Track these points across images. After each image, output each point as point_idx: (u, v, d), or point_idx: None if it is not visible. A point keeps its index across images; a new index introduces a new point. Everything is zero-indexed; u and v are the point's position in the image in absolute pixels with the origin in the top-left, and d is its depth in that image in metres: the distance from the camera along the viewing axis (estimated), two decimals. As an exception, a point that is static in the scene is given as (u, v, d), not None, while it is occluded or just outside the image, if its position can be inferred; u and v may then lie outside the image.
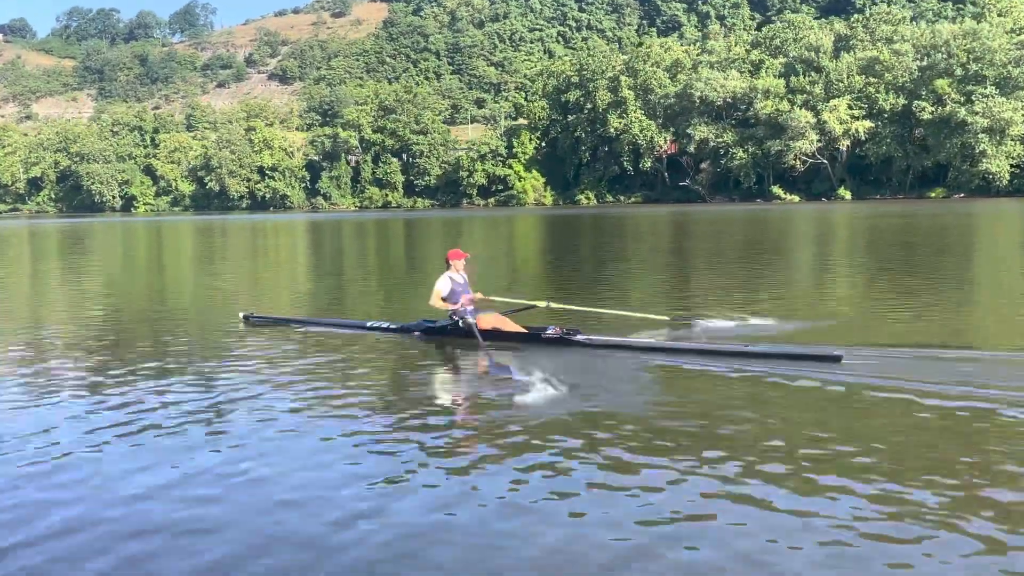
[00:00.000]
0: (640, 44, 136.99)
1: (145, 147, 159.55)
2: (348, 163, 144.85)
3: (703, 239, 36.95)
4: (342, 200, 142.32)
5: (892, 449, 6.33)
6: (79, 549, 4.88)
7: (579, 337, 10.52)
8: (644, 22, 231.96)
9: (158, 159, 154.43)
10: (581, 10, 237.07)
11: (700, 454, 6.26)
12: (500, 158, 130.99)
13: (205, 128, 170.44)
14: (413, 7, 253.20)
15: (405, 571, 4.55)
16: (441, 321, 11.54)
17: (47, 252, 39.72)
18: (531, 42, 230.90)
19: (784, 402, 7.85)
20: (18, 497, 5.71)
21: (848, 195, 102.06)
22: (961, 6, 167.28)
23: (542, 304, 11.98)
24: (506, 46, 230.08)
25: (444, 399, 8.63)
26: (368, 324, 12.27)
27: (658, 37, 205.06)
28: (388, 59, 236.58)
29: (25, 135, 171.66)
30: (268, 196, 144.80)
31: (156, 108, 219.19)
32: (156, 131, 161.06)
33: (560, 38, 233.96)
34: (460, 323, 11.09)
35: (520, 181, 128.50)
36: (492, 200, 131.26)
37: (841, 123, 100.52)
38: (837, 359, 8.99)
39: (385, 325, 12.03)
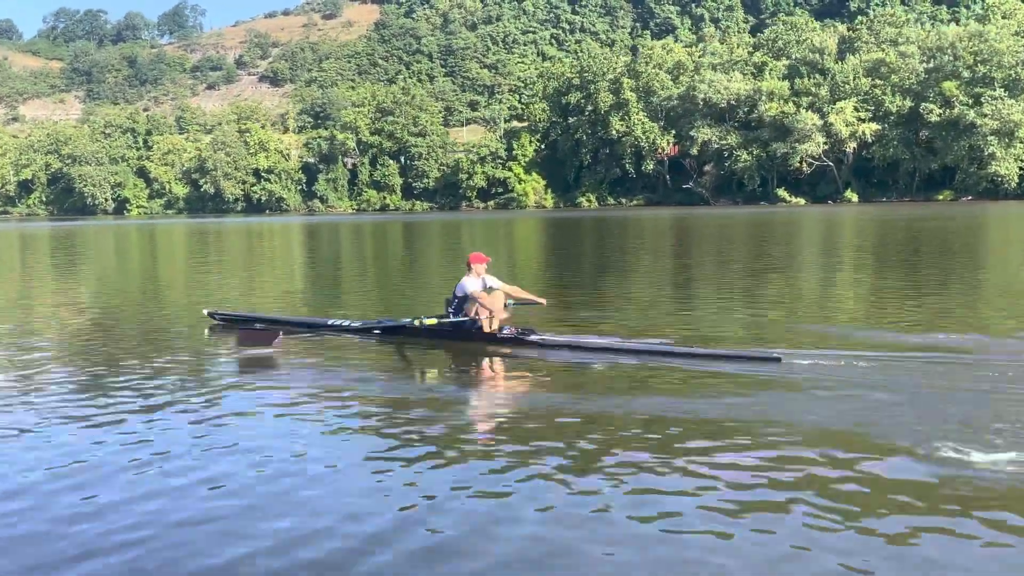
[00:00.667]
0: (641, 46, 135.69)
1: (138, 149, 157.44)
2: (345, 165, 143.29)
3: (710, 242, 36.17)
4: (339, 203, 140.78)
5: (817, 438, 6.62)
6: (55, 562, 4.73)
7: (533, 337, 10.80)
8: (637, 25, 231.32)
9: (151, 161, 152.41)
10: (574, 12, 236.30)
11: (644, 453, 6.32)
12: (500, 160, 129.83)
13: (196, 130, 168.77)
14: (405, 9, 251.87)
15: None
16: (401, 320, 11.62)
17: (38, 256, 38.32)
18: (524, 44, 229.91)
19: (725, 399, 7.96)
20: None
21: (855, 197, 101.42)
22: (956, 9, 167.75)
23: (541, 301, 11.99)
24: (499, 48, 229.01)
25: (391, 398, 8.48)
26: (328, 323, 12.38)
27: (652, 40, 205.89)
28: (380, 61, 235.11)
29: (15, 137, 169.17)
30: (264, 199, 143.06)
31: (146, 110, 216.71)
32: (149, 133, 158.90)
33: (553, 40, 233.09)
34: (413, 323, 11.23)
35: (520, 184, 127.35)
36: (491, 203, 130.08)
37: (847, 125, 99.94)
38: (776, 360, 9.32)
39: (347, 324, 12.11)
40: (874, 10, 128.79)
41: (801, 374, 8.83)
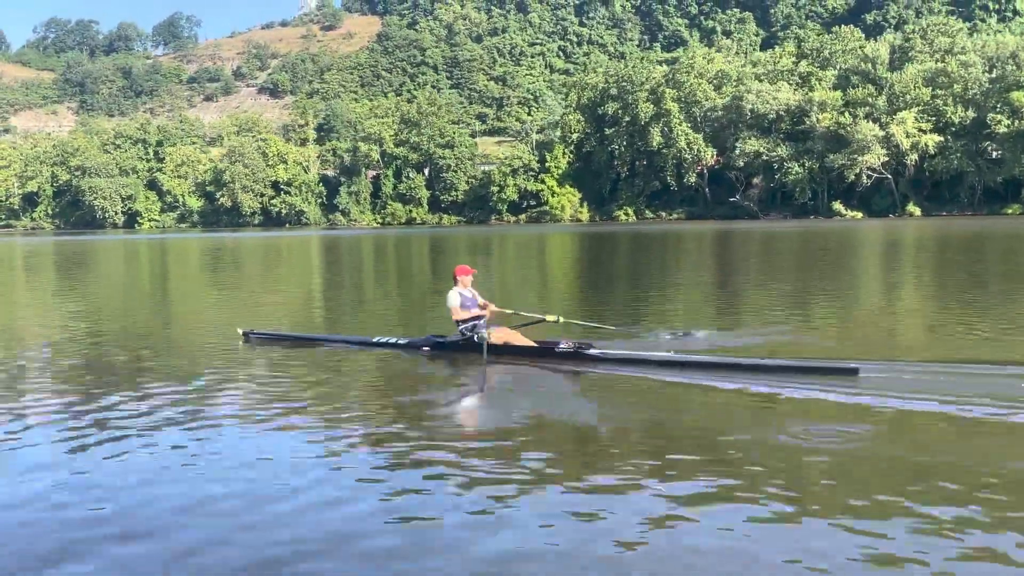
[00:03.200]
0: (682, 55, 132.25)
1: (148, 160, 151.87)
2: (367, 178, 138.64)
3: (799, 257, 33.84)
4: (361, 216, 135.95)
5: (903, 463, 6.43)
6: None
7: (592, 351, 10.49)
8: (645, 37, 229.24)
9: (164, 173, 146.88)
10: (582, 24, 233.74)
11: (704, 473, 6.22)
12: (532, 173, 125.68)
13: (195, 141, 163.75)
14: (408, 21, 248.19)
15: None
16: (451, 336, 11.50)
17: (53, 273, 35.18)
18: (532, 56, 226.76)
19: (797, 417, 7.75)
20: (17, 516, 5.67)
21: (917, 211, 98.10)
22: (982, 20, 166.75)
23: (552, 319, 11.64)
24: (506, 60, 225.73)
25: (449, 417, 8.44)
26: (375, 340, 12.13)
27: (661, 52, 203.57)
28: (384, 73, 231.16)
29: (14, 148, 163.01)
30: (284, 212, 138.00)
31: (132, 123, 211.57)
32: (160, 144, 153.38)
33: (561, 53, 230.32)
34: (475, 338, 11.09)
35: (554, 197, 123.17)
36: (523, 216, 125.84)
37: (908, 136, 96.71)
38: (853, 372, 8.98)
39: (393, 341, 11.89)
40: (926, 19, 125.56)
41: (879, 387, 8.56)
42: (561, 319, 11.71)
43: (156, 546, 5.08)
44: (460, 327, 11.34)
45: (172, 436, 7.59)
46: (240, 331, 13.30)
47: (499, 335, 11.15)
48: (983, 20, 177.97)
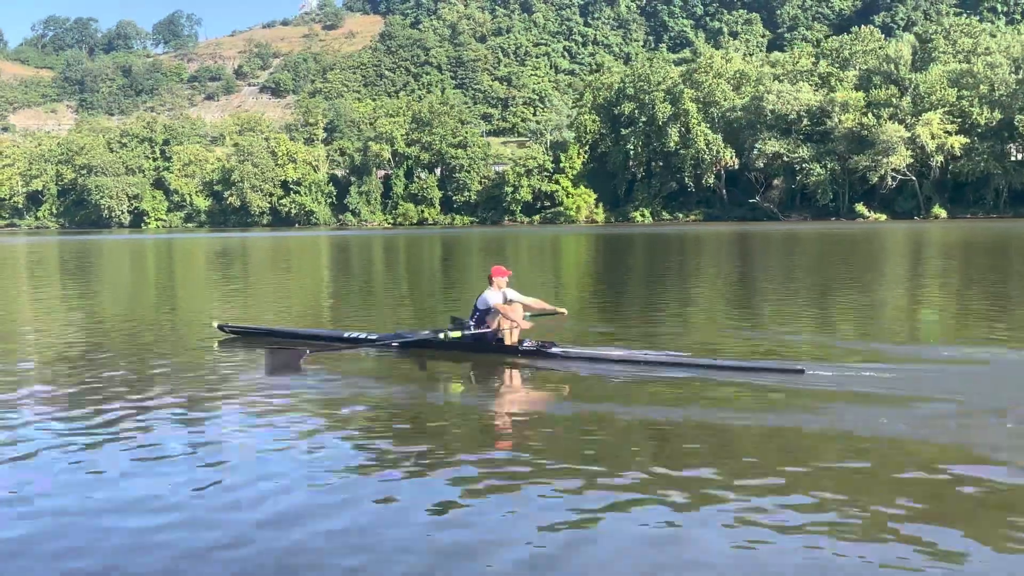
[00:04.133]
0: (699, 54, 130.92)
1: (155, 159, 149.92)
2: (377, 177, 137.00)
3: (855, 259, 31.87)
4: (372, 217, 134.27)
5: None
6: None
7: (554, 350, 10.72)
8: (651, 38, 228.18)
9: (171, 172, 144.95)
10: (587, 25, 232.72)
11: (662, 467, 6.29)
12: (546, 173, 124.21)
13: (198, 140, 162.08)
14: (411, 20, 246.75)
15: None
16: (420, 333, 11.55)
17: (49, 277, 32.81)
18: (537, 57, 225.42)
19: (748, 410, 8.04)
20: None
21: (943, 213, 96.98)
22: (991, 22, 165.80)
23: (563, 311, 11.79)
24: (511, 60, 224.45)
25: (409, 414, 8.36)
26: (345, 335, 12.13)
27: (667, 53, 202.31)
28: (387, 72, 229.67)
29: (16, 145, 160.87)
30: (293, 212, 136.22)
31: (124, 123, 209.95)
32: (167, 143, 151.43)
33: (566, 53, 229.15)
34: (441, 335, 11.13)
35: (569, 198, 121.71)
36: (537, 217, 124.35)
37: (933, 138, 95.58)
38: (799, 372, 9.32)
39: (363, 336, 11.91)
40: (950, 19, 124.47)
41: (823, 385, 8.82)
42: (566, 312, 11.99)
43: (149, 550, 5.02)
44: (476, 326, 11.14)
45: (147, 437, 7.48)
46: (215, 324, 13.17)
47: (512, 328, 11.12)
48: (992, 22, 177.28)
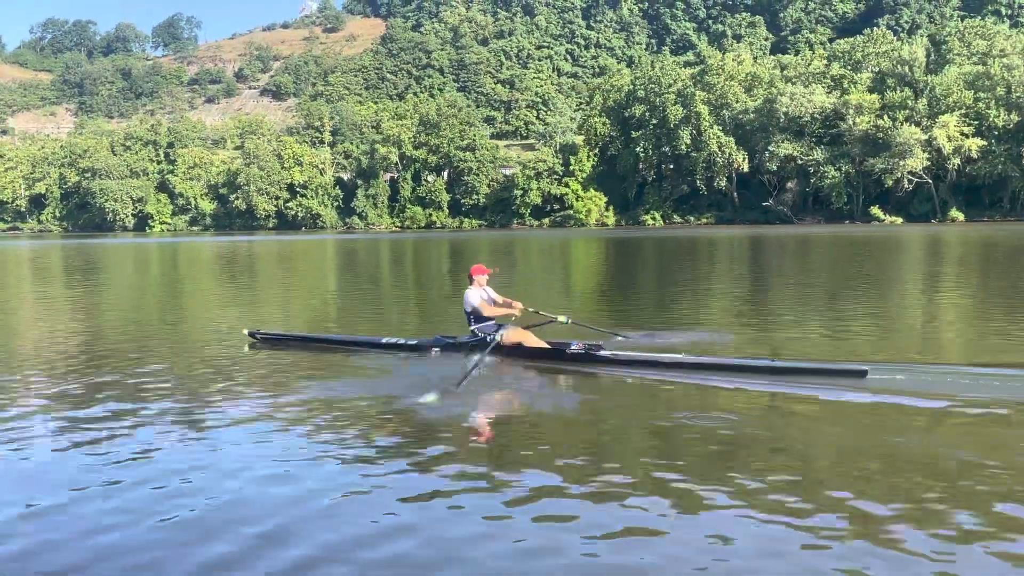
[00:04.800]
0: (710, 56, 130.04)
1: (159, 162, 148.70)
2: (384, 180, 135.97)
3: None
4: (379, 220, 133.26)
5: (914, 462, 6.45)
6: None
7: (603, 353, 10.42)
8: (653, 41, 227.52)
9: (175, 175, 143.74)
10: (589, 27, 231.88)
11: (719, 475, 6.23)
12: (556, 176, 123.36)
13: (200, 142, 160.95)
14: (412, 23, 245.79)
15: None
16: (461, 337, 11.43)
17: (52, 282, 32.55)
18: (539, 60, 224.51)
19: (810, 418, 7.92)
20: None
21: (960, 216, 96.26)
22: (993, 24, 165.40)
23: (562, 319, 11.69)
24: (513, 63, 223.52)
25: (459, 419, 8.16)
26: (383, 341, 11.97)
27: (670, 56, 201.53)
28: (389, 75, 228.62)
29: (16, 149, 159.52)
30: (300, 215, 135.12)
31: (129, 126, 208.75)
32: (171, 145, 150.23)
33: (568, 56, 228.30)
34: (487, 339, 10.86)
35: (579, 201, 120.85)
36: (547, 220, 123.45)
37: (950, 140, 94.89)
38: (862, 374, 9.05)
39: (402, 342, 11.71)
40: (963, 21, 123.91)
41: (888, 388, 8.62)
42: (569, 320, 11.80)
43: (162, 551, 5.02)
44: (473, 327, 11.22)
45: (174, 439, 7.52)
46: (246, 331, 13.15)
47: (512, 336, 10.95)
48: (995, 24, 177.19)
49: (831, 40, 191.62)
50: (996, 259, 34.02)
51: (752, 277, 26.40)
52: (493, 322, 11.19)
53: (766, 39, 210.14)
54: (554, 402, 9.04)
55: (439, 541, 5.11)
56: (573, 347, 10.64)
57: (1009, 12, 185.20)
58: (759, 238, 59.64)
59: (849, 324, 14.44)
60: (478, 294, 11.22)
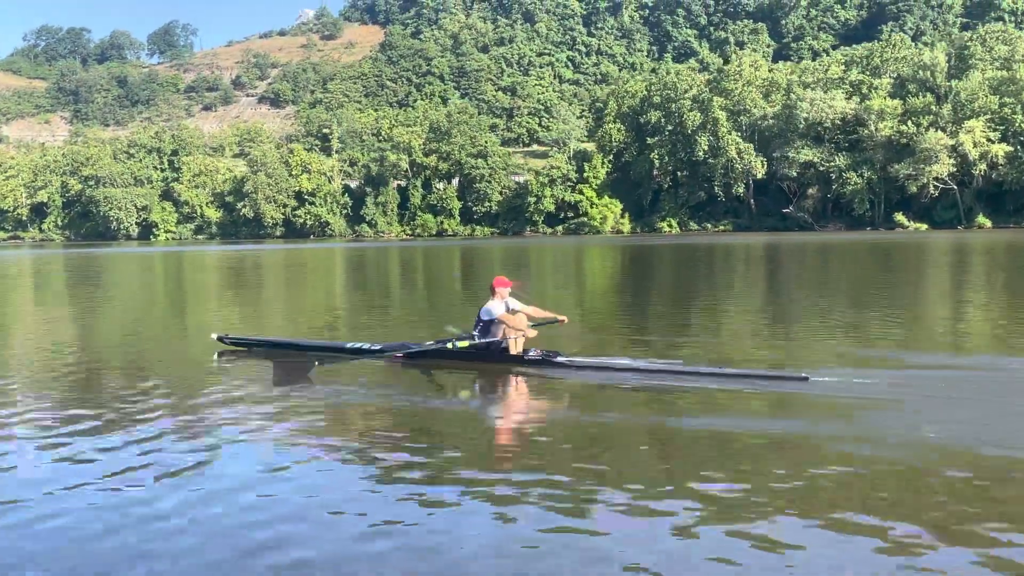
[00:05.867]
0: (724, 62, 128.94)
1: (163, 170, 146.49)
2: (393, 188, 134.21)
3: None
4: (389, 228, 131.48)
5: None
6: None
7: (559, 359, 10.78)
8: (654, 48, 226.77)
9: (181, 183, 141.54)
10: (590, 35, 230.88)
11: (665, 474, 6.41)
12: (570, 183, 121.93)
13: (194, 151, 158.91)
14: (411, 30, 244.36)
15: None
16: (426, 343, 11.57)
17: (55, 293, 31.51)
18: (540, 67, 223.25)
19: (752, 414, 8.36)
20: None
21: (988, 223, 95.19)
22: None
23: (563, 319, 11.93)
24: (514, 71, 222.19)
25: (416, 425, 8.24)
26: (347, 346, 12.07)
27: (673, 63, 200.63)
28: (389, 83, 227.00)
29: (13, 157, 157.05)
30: (309, 223, 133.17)
31: (133, 133, 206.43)
32: (175, 153, 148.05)
33: (570, 63, 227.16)
34: (448, 345, 11.09)
35: (593, 208, 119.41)
36: (560, 228, 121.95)
37: (976, 146, 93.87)
38: (804, 379, 9.42)
39: (367, 347, 11.81)
40: (984, 26, 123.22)
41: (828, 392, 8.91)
42: (566, 319, 12.12)
43: (146, 561, 4.99)
44: (476, 333, 11.27)
45: (157, 448, 7.42)
46: (214, 336, 13.11)
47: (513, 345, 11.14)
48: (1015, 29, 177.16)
49: (834, 47, 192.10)
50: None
51: (818, 293, 23.61)
52: (499, 339, 11.16)
53: (768, 46, 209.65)
54: (511, 406, 9.39)
55: (411, 545, 5.10)
56: (531, 353, 10.95)
57: (1013, 19, 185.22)
58: (782, 246, 58.08)
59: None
60: (503, 306, 11.30)
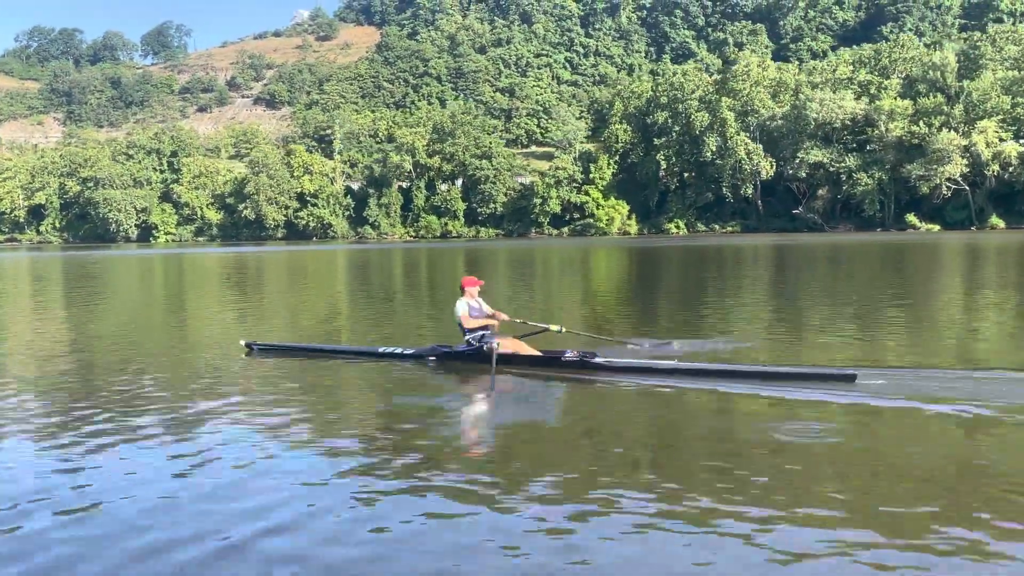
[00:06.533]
0: (734, 62, 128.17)
1: (162, 171, 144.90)
2: (396, 189, 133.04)
3: None
4: (392, 230, 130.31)
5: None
6: None
7: (597, 360, 10.49)
8: (652, 49, 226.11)
9: (180, 184, 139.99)
10: (588, 36, 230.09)
11: (708, 477, 6.29)
12: (575, 184, 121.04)
13: (194, 152, 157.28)
14: (408, 31, 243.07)
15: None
16: (457, 346, 11.53)
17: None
18: (538, 68, 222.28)
19: (799, 420, 7.96)
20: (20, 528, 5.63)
21: (1001, 224, 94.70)
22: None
23: (555, 328, 11.65)
24: (512, 72, 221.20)
25: (456, 428, 8.27)
26: (380, 350, 11.97)
27: (672, 64, 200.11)
28: (386, 84, 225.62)
29: (9, 159, 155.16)
30: (311, 225, 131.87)
31: (131, 133, 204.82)
32: (175, 154, 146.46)
33: (567, 64, 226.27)
34: (483, 347, 10.98)
35: (600, 209, 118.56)
36: (566, 229, 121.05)
37: (988, 146, 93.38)
38: (851, 378, 9.09)
39: (399, 351, 11.75)
40: (994, 26, 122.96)
41: (878, 392, 8.71)
42: (563, 329, 11.78)
43: (157, 563, 4.99)
44: (467, 336, 11.36)
45: (175, 451, 7.38)
46: (243, 343, 13.08)
47: (506, 345, 11.03)
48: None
49: (833, 48, 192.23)
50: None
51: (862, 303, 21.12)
52: (484, 332, 11.25)
53: (767, 47, 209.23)
54: (550, 409, 9.06)
55: (434, 550, 5.07)
56: (568, 355, 10.73)
57: (1012, 19, 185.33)
58: (797, 248, 56.85)
59: None
60: (466, 304, 11.45)
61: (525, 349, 11.19)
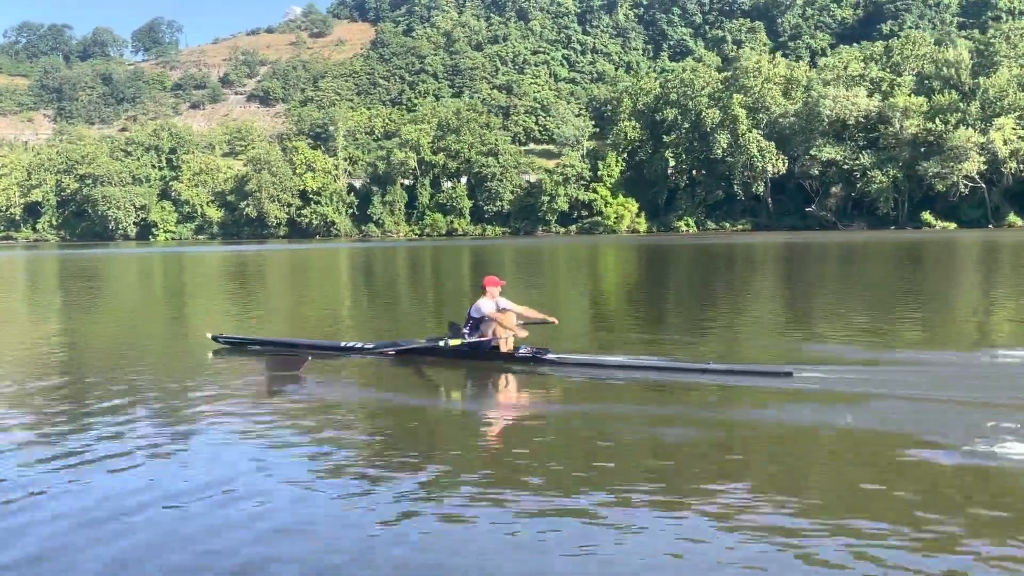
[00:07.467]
0: (743, 59, 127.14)
1: (161, 168, 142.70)
2: (401, 187, 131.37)
3: None
4: (396, 228, 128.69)
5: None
6: None
7: (549, 356, 10.93)
8: (650, 46, 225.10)
9: (180, 182, 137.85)
10: (585, 33, 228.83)
11: (654, 470, 6.39)
12: (583, 182, 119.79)
13: (193, 148, 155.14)
14: (403, 28, 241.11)
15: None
16: (416, 341, 11.85)
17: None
18: (536, 65, 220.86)
19: (737, 408, 8.44)
20: None
21: (1019, 221, 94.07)
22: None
23: (553, 320, 12.08)
24: (509, 69, 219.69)
25: (405, 420, 8.41)
26: (342, 345, 12.29)
27: (670, 62, 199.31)
28: (381, 81, 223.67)
29: (4, 155, 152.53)
30: (314, 223, 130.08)
31: (123, 130, 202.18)
32: (174, 151, 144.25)
33: (565, 61, 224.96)
34: (440, 343, 11.28)
35: (608, 207, 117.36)
36: (574, 227, 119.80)
37: (1006, 144, 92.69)
38: (788, 375, 9.44)
39: (360, 345, 12.07)
40: (1007, 23, 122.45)
41: (811, 387, 8.98)
42: (556, 321, 12.23)
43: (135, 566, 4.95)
44: (465, 331, 11.45)
45: (163, 451, 7.36)
46: (209, 335, 13.22)
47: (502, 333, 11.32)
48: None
49: (832, 46, 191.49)
50: None
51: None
52: (489, 338, 11.33)
53: (765, 44, 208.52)
54: (501, 402, 9.61)
55: (424, 547, 5.07)
56: (521, 351, 11.14)
57: (1010, 18, 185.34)
58: (827, 245, 55.71)
59: None
60: (492, 304, 11.52)
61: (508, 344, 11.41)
